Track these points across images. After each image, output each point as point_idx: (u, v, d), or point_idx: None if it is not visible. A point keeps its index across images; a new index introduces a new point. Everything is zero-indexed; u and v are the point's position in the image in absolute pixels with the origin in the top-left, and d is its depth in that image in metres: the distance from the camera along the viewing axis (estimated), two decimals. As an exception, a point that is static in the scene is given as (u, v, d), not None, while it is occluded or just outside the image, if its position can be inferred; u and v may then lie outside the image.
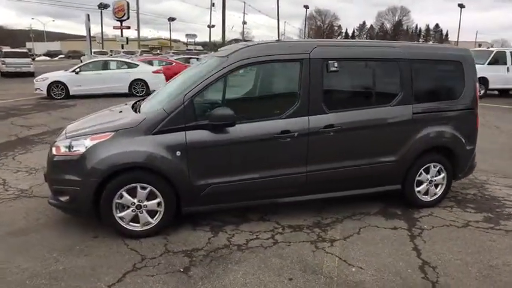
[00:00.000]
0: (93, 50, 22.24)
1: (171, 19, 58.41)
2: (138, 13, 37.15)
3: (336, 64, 3.53)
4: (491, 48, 16.08)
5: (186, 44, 71.97)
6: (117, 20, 36.35)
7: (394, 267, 3.02)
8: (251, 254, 3.17)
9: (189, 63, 19.41)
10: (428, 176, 4.06)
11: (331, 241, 3.41)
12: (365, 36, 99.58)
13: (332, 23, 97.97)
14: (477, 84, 4.13)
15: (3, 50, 25.00)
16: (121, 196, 3.23)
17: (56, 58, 53.01)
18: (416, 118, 3.85)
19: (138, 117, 3.33)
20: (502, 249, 3.30)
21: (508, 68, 13.24)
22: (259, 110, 3.47)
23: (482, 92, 12.84)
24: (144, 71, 13.31)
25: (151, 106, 3.69)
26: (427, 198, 4.13)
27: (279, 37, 42.72)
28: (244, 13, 71.28)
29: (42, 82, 12.28)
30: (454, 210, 4.13)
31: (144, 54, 28.83)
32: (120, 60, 13.86)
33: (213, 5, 56.61)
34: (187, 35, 66.02)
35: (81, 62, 30.63)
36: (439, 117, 3.95)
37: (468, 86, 4.04)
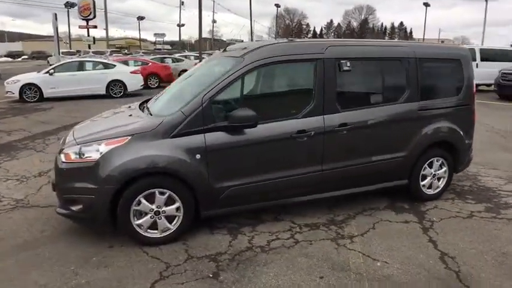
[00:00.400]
0: (60, 51, 21.22)
1: (140, 18, 56.94)
2: (106, 12, 35.91)
3: (348, 63, 3.58)
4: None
5: (154, 43, 70.46)
6: (83, 19, 34.92)
7: (416, 259, 3.11)
8: (276, 255, 3.15)
9: (164, 62, 19.06)
10: (432, 170, 4.21)
11: (350, 237, 3.46)
12: (332, 34, 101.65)
13: (300, 21, 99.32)
14: (474, 81, 4.33)
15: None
16: (139, 203, 3.11)
17: (19, 59, 50.22)
18: (421, 115, 3.98)
19: (154, 120, 3.22)
20: (509, 237, 3.48)
21: (477, 64, 13.98)
22: (276, 110, 3.45)
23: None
24: (121, 71, 12.90)
25: (161, 108, 3.58)
26: (430, 192, 4.28)
27: (252, 36, 42.68)
28: (213, 12, 70.81)
29: (13, 85, 11.60)
30: (455, 202, 4.31)
31: (114, 54, 27.89)
32: (96, 61, 13.33)
33: (182, 3, 55.86)
34: (155, 34, 64.58)
35: (48, 62, 29.28)
36: (441, 113, 4.10)
37: (466, 83, 4.23)
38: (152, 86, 16.30)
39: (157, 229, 3.22)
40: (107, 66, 12.93)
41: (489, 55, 14.89)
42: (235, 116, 3.12)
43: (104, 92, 12.62)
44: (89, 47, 35.07)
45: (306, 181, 3.59)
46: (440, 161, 4.23)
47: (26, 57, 52.15)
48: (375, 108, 3.80)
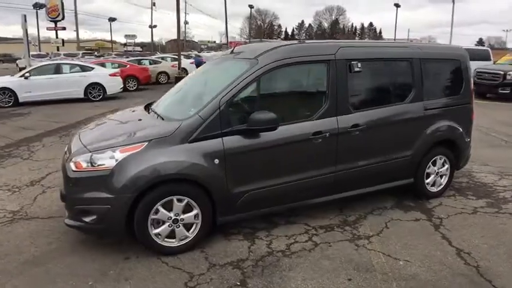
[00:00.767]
0: (30, 53, 20.22)
1: (112, 19, 55.31)
2: (76, 13, 34.70)
3: (359, 65, 3.61)
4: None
5: (124, 44, 68.80)
6: (51, 21, 33.61)
7: (435, 257, 3.16)
8: (299, 258, 3.12)
9: (141, 64, 18.61)
10: (435, 168, 4.32)
11: (367, 237, 3.48)
12: (304, 35, 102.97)
13: (272, 22, 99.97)
14: (472, 80, 4.49)
15: None
16: (157, 211, 2.99)
17: (-17, 63, 47.44)
18: (426, 114, 4.08)
19: (170, 125, 3.10)
20: (515, 231, 3.63)
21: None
22: (292, 112, 3.43)
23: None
24: (100, 74, 12.45)
25: (172, 112, 3.47)
26: (434, 189, 4.39)
27: (227, 37, 42.51)
28: (186, 13, 70.06)
29: (-15, 90, 10.94)
30: (458, 198, 4.44)
31: (86, 57, 26.98)
32: (74, 63, 12.80)
33: (154, 4, 54.82)
34: (126, 36, 63.02)
35: (17, 66, 27.80)
36: (444, 112, 4.21)
37: (466, 82, 4.38)
38: (130, 89, 15.86)
39: (174, 238, 3.11)
40: (84, 68, 12.45)
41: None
42: (255, 119, 3.06)
43: (82, 96, 12.15)
44: (58, 49, 33.83)
45: (321, 183, 3.59)
46: (443, 159, 4.34)
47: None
48: (384, 108, 3.85)
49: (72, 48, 38.76)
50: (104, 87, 12.36)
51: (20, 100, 11.21)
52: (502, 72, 12.19)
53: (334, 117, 3.53)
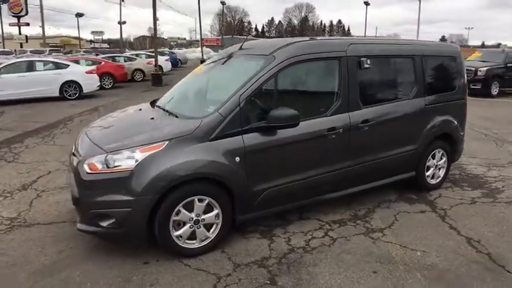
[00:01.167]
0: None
1: (79, 15, 53.00)
2: (42, 8, 32.90)
3: (368, 61, 3.67)
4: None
5: (91, 41, 66.30)
6: (14, 16, 31.84)
7: (448, 246, 3.28)
8: (320, 254, 3.14)
9: (116, 61, 18.00)
10: (435, 161, 4.48)
11: (380, 230, 3.56)
12: (274, 32, 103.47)
13: (242, 19, 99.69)
14: (466, 76, 4.68)
15: None
16: (178, 212, 2.91)
17: None
18: (428, 109, 4.22)
19: (190, 122, 3.01)
20: (514, 218, 3.83)
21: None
22: (308, 108, 3.42)
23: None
24: (76, 71, 11.90)
25: (186, 110, 3.38)
26: (433, 182, 4.56)
27: (201, 34, 41.89)
28: (155, 9, 68.41)
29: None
30: (455, 189, 4.63)
31: (53, 54, 25.73)
32: (48, 60, 12.15)
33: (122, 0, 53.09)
34: (93, 32, 60.72)
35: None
36: (442, 107, 4.37)
37: (461, 78, 4.57)
38: (106, 87, 15.30)
39: (195, 239, 3.03)
40: (59, 66, 11.84)
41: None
42: (276, 116, 3.03)
43: (58, 94, 11.58)
44: (21, 46, 32.08)
45: (333, 178, 3.62)
46: (441, 152, 4.51)
47: None
48: (391, 104, 3.94)
49: (35, 45, 36.77)
50: (81, 85, 11.84)
51: (-10, 99, 10.54)
52: (473, 69, 12.80)
53: (346, 113, 3.58)
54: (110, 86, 15.55)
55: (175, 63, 29.30)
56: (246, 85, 3.10)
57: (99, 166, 2.84)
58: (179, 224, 2.96)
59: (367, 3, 44.96)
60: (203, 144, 2.94)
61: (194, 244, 3.04)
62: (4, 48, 32.09)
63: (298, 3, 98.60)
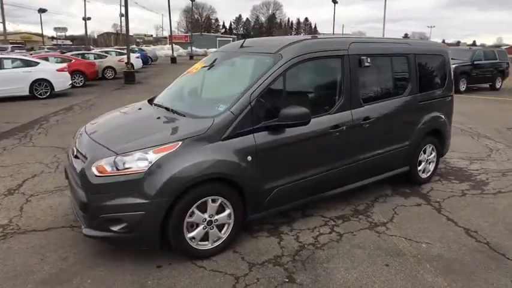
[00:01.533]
0: None
1: (42, 10, 50.24)
2: (1, 3, 30.87)
3: (368, 59, 3.76)
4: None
5: (53, 38, 63.21)
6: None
7: (449, 237, 3.43)
8: (331, 250, 3.18)
9: (85, 58, 17.29)
10: (426, 156, 4.67)
11: (383, 224, 3.66)
12: (242, 29, 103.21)
13: (209, 16, 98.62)
14: (452, 74, 4.90)
15: None
16: (192, 214, 2.85)
17: None
18: (420, 106, 4.38)
19: (202, 122, 2.94)
20: (503, 209, 4.06)
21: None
22: (315, 106, 3.44)
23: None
24: (46, 69, 11.30)
25: (193, 108, 3.31)
26: (424, 176, 4.74)
27: (171, 31, 41.07)
28: (121, 5, 66.55)
29: None
30: (444, 183, 4.85)
31: (16, 50, 24.31)
32: (16, 58, 11.44)
33: (87, -5, 50.97)
34: (56, 29, 57.76)
35: None
36: (433, 103, 4.56)
37: (449, 75, 4.77)
38: (77, 85, 14.66)
39: (207, 240, 2.99)
40: (28, 63, 11.19)
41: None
42: (288, 114, 3.03)
43: (27, 93, 10.97)
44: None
45: (337, 175, 3.68)
46: (431, 147, 4.70)
47: None
48: (388, 101, 4.06)
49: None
50: (52, 84, 11.27)
51: (-47, 99, 9.80)
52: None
53: (349, 111, 3.64)
54: (81, 84, 14.91)
55: (146, 60, 28.63)
56: (256, 83, 3.08)
57: (109, 168, 2.72)
58: (192, 226, 2.90)
59: (335, 1, 45.84)
60: (216, 143, 2.89)
61: (207, 245, 2.99)
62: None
63: (266, 1, 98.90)
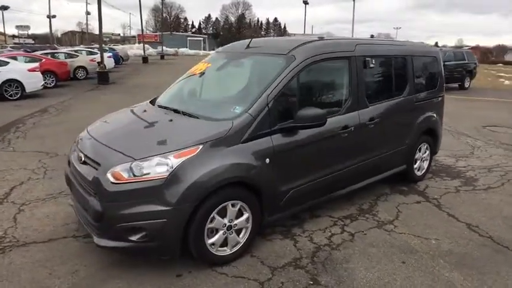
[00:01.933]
0: None
1: (4, 8, 47.43)
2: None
3: (373, 61, 3.83)
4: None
5: (14, 36, 59.97)
6: None
7: (454, 232, 3.56)
8: (347, 249, 3.21)
9: (55, 58, 16.50)
10: (421, 154, 4.82)
11: (390, 222, 3.74)
12: (211, 28, 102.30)
13: (178, 15, 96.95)
14: (443, 74, 5.10)
15: None
16: (212, 219, 2.77)
17: None
18: (416, 106, 4.52)
19: (221, 124, 2.86)
20: (497, 204, 4.26)
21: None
22: (326, 107, 3.45)
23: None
24: (17, 69, 10.67)
25: (205, 110, 3.22)
26: (419, 173, 4.90)
27: (142, 30, 40.03)
28: (87, 3, 64.30)
29: None
30: (437, 180, 5.03)
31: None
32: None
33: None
34: (18, 27, 54.84)
35: None
36: (427, 104, 4.72)
37: (440, 76, 4.96)
38: (48, 86, 13.95)
39: (226, 245, 2.92)
40: (-4, 63, 10.55)
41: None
42: (304, 116, 3.02)
43: (-4, 94, 10.33)
44: None
45: (346, 175, 3.72)
46: (425, 146, 4.87)
47: None
48: (390, 101, 4.15)
49: None
50: (23, 84, 10.66)
51: None
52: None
53: (356, 112, 3.69)
54: (53, 84, 14.21)
55: (117, 60, 27.73)
56: (273, 85, 3.05)
57: (125, 175, 2.59)
58: (212, 232, 2.83)
59: (306, 2, 46.49)
60: (236, 146, 2.83)
61: (226, 251, 2.92)
62: None
63: (235, 1, 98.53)
